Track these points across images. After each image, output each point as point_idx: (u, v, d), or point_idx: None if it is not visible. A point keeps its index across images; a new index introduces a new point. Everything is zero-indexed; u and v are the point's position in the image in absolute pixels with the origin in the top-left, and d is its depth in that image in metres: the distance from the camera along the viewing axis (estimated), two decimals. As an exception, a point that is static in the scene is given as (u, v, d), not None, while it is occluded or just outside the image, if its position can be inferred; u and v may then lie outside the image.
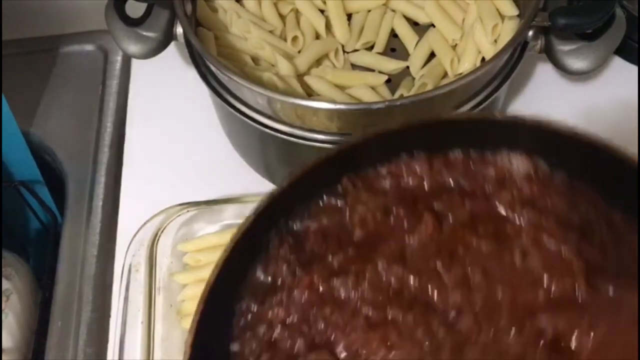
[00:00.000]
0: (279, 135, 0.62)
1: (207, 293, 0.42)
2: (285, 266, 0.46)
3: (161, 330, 0.60)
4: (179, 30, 0.68)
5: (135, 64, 0.84)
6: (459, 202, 0.48)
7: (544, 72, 0.78)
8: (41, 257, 0.78)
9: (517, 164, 0.49)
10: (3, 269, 0.69)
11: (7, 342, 0.66)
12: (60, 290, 0.69)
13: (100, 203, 0.74)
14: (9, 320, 0.67)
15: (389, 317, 0.44)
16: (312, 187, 0.48)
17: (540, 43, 0.65)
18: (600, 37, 0.63)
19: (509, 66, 0.64)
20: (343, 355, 0.43)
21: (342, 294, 0.45)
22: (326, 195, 0.49)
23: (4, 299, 0.67)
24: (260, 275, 0.47)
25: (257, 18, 0.72)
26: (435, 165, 0.49)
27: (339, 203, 0.49)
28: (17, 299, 0.68)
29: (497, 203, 0.47)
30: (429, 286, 0.44)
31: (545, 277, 0.44)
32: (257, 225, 0.45)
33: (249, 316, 0.45)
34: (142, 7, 0.68)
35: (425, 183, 0.49)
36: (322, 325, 0.44)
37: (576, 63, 0.64)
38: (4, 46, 0.81)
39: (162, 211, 0.63)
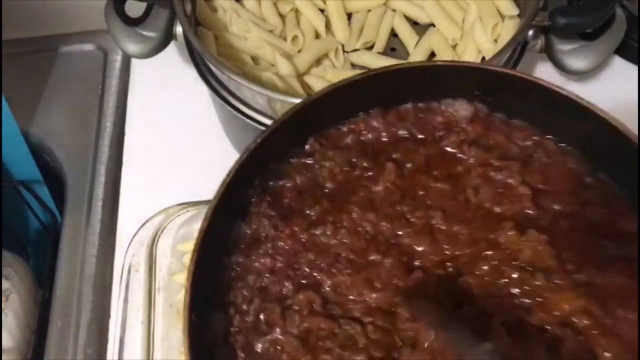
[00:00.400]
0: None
1: (197, 251, 0.45)
2: (267, 221, 0.51)
3: (161, 330, 0.60)
4: (179, 29, 0.68)
5: (135, 63, 0.84)
6: (413, 149, 0.54)
7: (544, 71, 0.78)
8: (41, 257, 0.78)
9: (460, 109, 0.55)
10: (3, 269, 0.69)
11: (7, 342, 0.66)
12: (60, 290, 0.69)
13: (100, 203, 0.74)
14: (9, 320, 0.67)
15: (369, 260, 0.48)
16: (282, 147, 0.53)
17: (540, 42, 0.65)
18: (601, 36, 0.63)
19: (510, 66, 0.64)
20: (326, 294, 0.47)
21: (323, 241, 0.50)
22: (296, 156, 0.54)
23: (3, 298, 0.67)
24: (245, 230, 0.51)
25: (257, 17, 0.72)
26: (389, 118, 0.55)
27: (309, 161, 0.54)
28: (17, 299, 0.68)
29: (446, 146, 0.53)
30: (399, 231, 0.49)
31: (497, 206, 0.50)
32: (235, 184, 0.49)
33: (239, 268, 0.49)
34: (142, 6, 0.68)
35: (382, 136, 0.55)
36: (307, 270, 0.49)
37: (576, 63, 0.64)
38: (4, 46, 0.81)
39: (161, 211, 0.63)
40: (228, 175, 0.48)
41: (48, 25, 0.88)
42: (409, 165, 0.53)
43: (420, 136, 0.55)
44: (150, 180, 0.74)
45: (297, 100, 0.58)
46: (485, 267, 0.48)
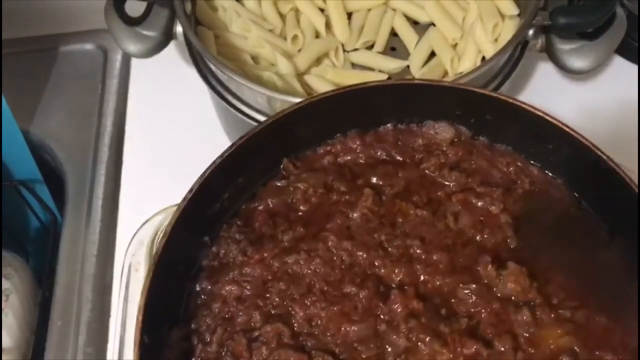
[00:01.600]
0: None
1: (154, 269, 0.44)
2: (235, 245, 0.49)
3: (161, 329, 0.60)
4: (179, 29, 0.68)
5: (135, 63, 0.84)
6: (393, 172, 0.53)
7: (545, 71, 0.78)
8: (41, 256, 0.78)
9: (441, 131, 0.54)
10: (3, 269, 0.69)
11: (7, 342, 0.66)
12: (59, 290, 0.69)
13: (100, 202, 0.74)
14: (9, 319, 0.67)
15: (345, 292, 0.47)
16: (254, 163, 0.51)
17: (540, 42, 0.65)
18: (601, 36, 0.63)
19: (510, 65, 0.64)
20: (298, 326, 0.46)
21: (296, 270, 0.48)
22: (269, 177, 0.53)
23: (3, 298, 0.67)
24: (212, 255, 0.50)
25: (257, 17, 0.72)
26: (367, 140, 0.54)
27: (282, 183, 0.53)
28: (17, 299, 0.68)
29: (426, 169, 0.52)
30: (376, 262, 0.48)
31: (478, 234, 0.49)
32: (199, 199, 0.47)
33: (204, 296, 0.48)
34: (142, 6, 0.68)
35: (360, 157, 0.54)
36: (277, 299, 0.47)
37: (577, 62, 0.64)
38: (4, 46, 0.81)
39: (161, 210, 0.63)
40: (190, 190, 0.47)
41: (48, 25, 0.88)
42: (387, 189, 0.52)
43: (399, 158, 0.54)
44: (150, 180, 0.74)
45: (297, 100, 0.58)
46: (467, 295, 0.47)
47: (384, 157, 0.54)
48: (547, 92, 0.77)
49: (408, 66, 0.70)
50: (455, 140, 0.54)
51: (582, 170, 0.49)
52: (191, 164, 0.74)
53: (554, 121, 0.49)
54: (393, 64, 0.70)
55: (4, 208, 0.74)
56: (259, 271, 0.48)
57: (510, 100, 0.49)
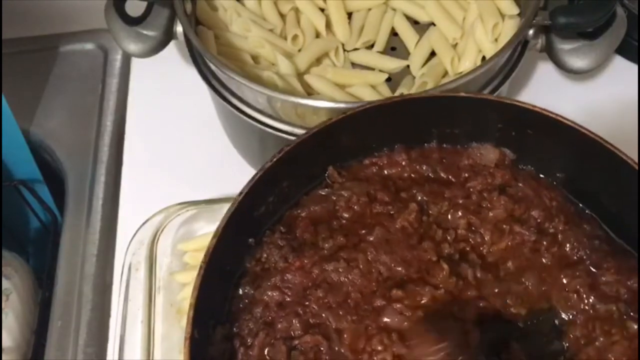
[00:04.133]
0: (279, 134, 0.62)
1: (204, 267, 0.44)
2: (277, 251, 0.50)
3: (161, 329, 0.59)
4: (179, 28, 0.68)
5: (135, 62, 0.84)
6: (438, 191, 0.53)
7: (545, 70, 0.78)
8: (41, 256, 0.78)
9: (487, 153, 0.54)
10: (3, 268, 0.69)
11: (7, 342, 0.66)
12: (60, 290, 0.69)
13: (100, 202, 0.74)
14: (9, 319, 0.67)
15: (375, 305, 0.47)
16: (299, 169, 0.52)
17: (540, 42, 0.65)
18: (601, 35, 0.63)
19: (510, 65, 0.64)
20: (334, 339, 0.46)
21: (335, 278, 0.48)
22: (314, 185, 0.53)
23: (3, 298, 0.67)
24: (254, 261, 0.50)
25: (257, 17, 0.72)
26: (413, 156, 0.55)
27: (326, 191, 0.53)
28: (17, 298, 0.68)
29: (472, 188, 0.53)
30: (415, 277, 0.48)
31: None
32: (246, 202, 0.48)
33: (246, 300, 0.49)
34: (142, 5, 0.68)
35: (405, 172, 0.54)
36: (315, 307, 0.47)
37: (577, 62, 0.64)
38: (4, 45, 0.81)
39: (161, 210, 0.63)
40: (241, 193, 0.47)
41: (48, 25, 0.88)
42: (432, 208, 0.52)
43: (444, 176, 0.54)
44: (150, 179, 0.74)
45: (297, 99, 0.58)
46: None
47: (429, 174, 0.54)
48: (547, 92, 0.77)
49: (408, 66, 0.70)
50: (501, 164, 0.54)
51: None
52: (191, 164, 0.75)
53: (597, 138, 0.48)
54: (393, 64, 0.70)
55: (4, 208, 0.74)
56: (300, 278, 0.48)
57: (552, 116, 0.50)
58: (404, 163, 0.54)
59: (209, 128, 0.76)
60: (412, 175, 0.54)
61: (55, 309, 0.68)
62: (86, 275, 0.69)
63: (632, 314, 0.47)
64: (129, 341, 0.58)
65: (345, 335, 0.46)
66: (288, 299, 0.48)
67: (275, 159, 0.49)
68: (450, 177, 0.54)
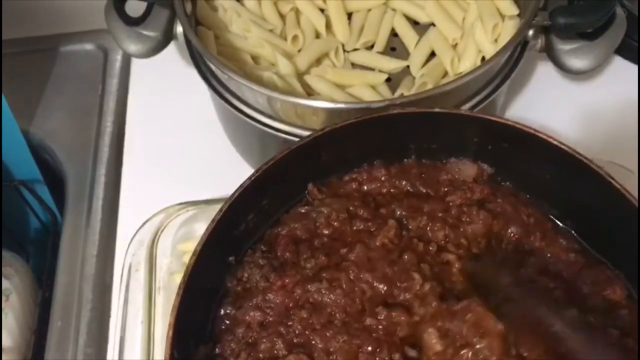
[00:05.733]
0: (279, 134, 0.62)
1: (183, 288, 0.44)
2: (258, 271, 0.49)
3: (161, 330, 0.59)
4: (179, 29, 0.68)
5: (135, 63, 0.84)
6: (417, 205, 0.53)
7: (545, 71, 0.78)
8: (41, 256, 0.78)
9: (465, 168, 0.54)
10: (3, 269, 0.69)
11: (6, 342, 0.66)
12: (60, 290, 0.69)
13: (100, 202, 0.74)
14: (9, 319, 0.67)
15: (365, 324, 0.46)
16: (278, 187, 0.51)
17: (540, 42, 0.65)
18: (601, 36, 0.63)
19: (510, 65, 0.64)
20: (318, 358, 0.45)
21: (318, 299, 0.48)
22: (294, 203, 0.53)
23: (3, 298, 0.67)
24: (235, 281, 0.50)
25: (257, 17, 0.72)
26: (392, 171, 0.55)
27: (306, 209, 0.53)
28: (17, 299, 0.68)
29: (451, 202, 0.53)
30: (397, 292, 0.48)
31: None
32: (226, 220, 0.47)
33: (228, 320, 0.48)
34: (142, 6, 0.68)
35: (385, 187, 0.54)
36: (299, 327, 0.47)
37: (576, 62, 0.64)
38: (4, 46, 0.81)
39: (161, 210, 0.63)
40: (220, 211, 0.47)
41: (48, 25, 0.88)
42: (411, 223, 0.52)
43: (424, 190, 0.54)
44: (150, 179, 0.74)
45: (297, 100, 0.58)
46: None
47: (409, 188, 0.54)
48: (547, 92, 0.77)
49: (408, 66, 0.70)
50: (480, 179, 0.55)
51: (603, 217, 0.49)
52: (191, 164, 0.75)
53: (568, 149, 0.49)
54: (393, 64, 0.70)
55: (4, 208, 0.74)
56: (281, 298, 0.48)
57: (526, 129, 0.50)
58: (383, 178, 0.54)
59: (208, 128, 0.76)
60: (392, 190, 0.54)
61: (55, 309, 0.68)
62: (86, 276, 0.69)
63: (608, 323, 0.47)
64: (129, 342, 0.58)
65: (336, 357, 0.46)
66: (270, 319, 0.47)
67: (253, 178, 0.48)
68: (429, 191, 0.54)
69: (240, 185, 0.48)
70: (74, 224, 0.73)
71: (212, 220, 0.47)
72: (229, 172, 0.72)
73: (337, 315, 0.47)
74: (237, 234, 0.51)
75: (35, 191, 0.75)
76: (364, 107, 0.58)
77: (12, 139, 0.71)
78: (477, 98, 0.62)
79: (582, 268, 0.50)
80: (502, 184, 0.55)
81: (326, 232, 0.51)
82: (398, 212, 0.52)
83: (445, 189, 0.54)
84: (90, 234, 0.72)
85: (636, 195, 0.46)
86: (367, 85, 0.67)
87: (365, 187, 0.55)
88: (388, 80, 0.70)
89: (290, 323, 0.47)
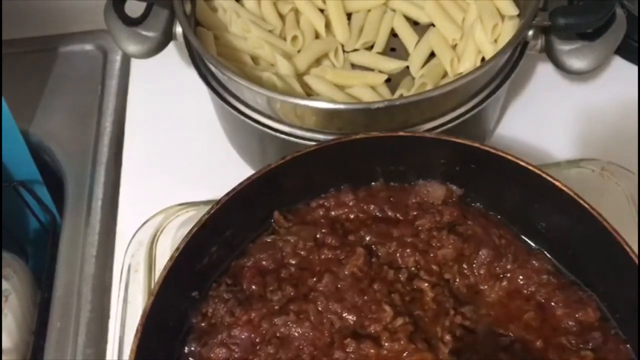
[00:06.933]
0: (278, 135, 0.61)
1: (141, 330, 0.42)
2: (223, 305, 0.48)
3: (160, 330, 0.59)
4: (179, 29, 0.68)
5: (135, 63, 0.84)
6: (386, 231, 0.52)
7: (544, 71, 0.78)
8: (40, 257, 0.78)
9: (434, 190, 0.54)
10: (2, 269, 0.69)
11: (6, 343, 0.66)
12: (59, 291, 0.68)
13: (100, 203, 0.74)
14: (8, 320, 0.67)
15: (333, 358, 0.45)
16: (242, 216, 0.50)
17: (540, 43, 0.65)
18: (601, 36, 0.63)
19: (509, 66, 0.64)
20: None
21: (285, 333, 0.46)
22: (260, 233, 0.52)
23: (3, 299, 0.67)
24: (200, 316, 0.48)
25: (257, 17, 0.71)
26: (360, 195, 0.54)
27: (271, 238, 0.52)
28: (16, 299, 0.68)
29: (420, 227, 0.52)
30: (367, 323, 0.47)
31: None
32: (186, 255, 0.46)
33: (192, 358, 0.47)
34: (142, 6, 0.68)
35: (353, 213, 0.53)
36: None
37: (576, 63, 0.64)
38: (4, 46, 0.81)
39: (161, 211, 0.63)
40: (177, 249, 0.46)
41: (48, 25, 0.88)
42: (380, 249, 0.51)
43: (392, 215, 0.53)
44: (149, 180, 0.74)
45: (297, 100, 0.58)
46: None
47: (377, 213, 0.54)
48: (546, 92, 0.77)
49: (408, 67, 0.70)
50: (449, 200, 0.54)
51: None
52: (191, 165, 0.75)
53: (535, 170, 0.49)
54: (393, 65, 0.70)
55: (3, 209, 0.74)
56: (247, 333, 0.47)
57: (492, 151, 0.50)
58: (351, 203, 0.54)
59: (208, 129, 0.76)
60: (360, 215, 0.53)
61: (55, 309, 0.67)
62: (85, 276, 0.69)
63: (581, 345, 0.47)
64: (128, 342, 0.58)
65: None
66: (236, 355, 0.46)
67: (212, 211, 0.47)
68: (398, 215, 0.54)
69: (199, 221, 0.47)
70: (73, 224, 0.73)
71: (170, 258, 0.45)
72: (228, 172, 0.71)
73: (306, 349, 0.46)
74: (200, 268, 0.49)
75: (34, 192, 0.75)
76: (364, 107, 0.58)
77: (11, 139, 0.71)
78: (477, 98, 0.62)
79: (555, 289, 0.50)
80: (473, 205, 0.54)
81: (293, 261, 0.50)
82: (367, 239, 0.52)
83: (415, 213, 0.53)
84: (89, 235, 0.72)
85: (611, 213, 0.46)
86: (367, 86, 0.67)
87: (333, 213, 0.54)
88: (388, 80, 0.69)
89: (256, 359, 0.46)
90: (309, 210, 0.54)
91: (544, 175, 0.49)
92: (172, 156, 0.75)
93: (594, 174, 0.61)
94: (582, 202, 0.47)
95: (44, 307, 0.68)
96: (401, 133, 0.52)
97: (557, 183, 0.48)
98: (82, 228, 0.72)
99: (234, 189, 0.48)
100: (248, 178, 0.49)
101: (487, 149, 0.50)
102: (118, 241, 0.70)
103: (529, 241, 0.53)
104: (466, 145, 0.50)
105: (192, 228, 0.47)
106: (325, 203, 0.54)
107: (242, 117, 0.62)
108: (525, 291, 0.50)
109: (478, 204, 0.54)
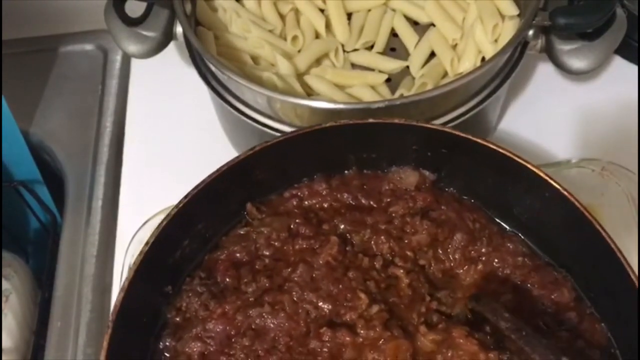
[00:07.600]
0: (278, 134, 0.61)
1: (112, 327, 0.42)
2: (197, 299, 0.47)
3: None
4: (179, 29, 0.68)
5: (135, 63, 0.84)
6: (360, 218, 0.51)
7: (544, 71, 0.78)
8: (40, 257, 0.78)
9: (407, 176, 0.53)
10: (2, 269, 0.69)
11: (6, 342, 0.66)
12: (59, 290, 0.69)
13: (100, 203, 0.74)
14: (9, 320, 0.67)
15: (311, 348, 0.45)
16: (214, 208, 0.49)
17: (540, 42, 0.65)
18: (601, 36, 0.63)
19: (509, 66, 0.64)
20: None
21: (260, 324, 0.46)
22: (233, 225, 0.51)
23: (3, 299, 0.67)
24: (174, 311, 0.48)
25: (257, 17, 0.71)
26: (334, 184, 0.53)
27: (245, 230, 0.51)
28: (17, 299, 0.68)
29: (394, 213, 0.52)
30: (342, 312, 0.47)
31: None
32: (157, 250, 0.45)
33: (167, 353, 0.47)
34: (142, 6, 0.68)
35: (326, 202, 0.53)
36: (242, 356, 0.45)
37: (576, 62, 0.64)
38: (4, 46, 0.81)
39: (161, 211, 0.63)
40: (146, 243, 0.45)
41: (48, 25, 0.88)
42: (354, 237, 0.51)
43: (366, 202, 0.53)
44: (149, 180, 0.74)
45: (297, 100, 0.58)
46: None
47: (351, 201, 0.53)
48: (547, 92, 0.77)
49: (408, 67, 0.70)
50: (422, 186, 0.54)
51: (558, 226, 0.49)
52: (191, 164, 0.74)
53: (519, 160, 0.49)
54: (393, 64, 0.70)
55: (3, 209, 0.74)
56: (222, 326, 0.46)
57: (460, 134, 0.50)
58: (324, 192, 0.53)
59: (208, 128, 0.76)
60: (334, 204, 0.53)
61: (55, 309, 0.68)
62: (86, 276, 0.69)
63: (557, 327, 0.47)
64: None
65: None
66: (212, 349, 0.46)
67: (182, 204, 0.47)
68: (371, 203, 0.53)
69: (167, 215, 0.46)
70: (74, 224, 0.73)
71: (140, 253, 0.45)
72: (228, 172, 0.72)
73: (281, 339, 0.46)
74: (173, 262, 0.49)
75: (34, 191, 0.75)
76: (364, 107, 0.58)
77: (11, 139, 0.71)
78: (478, 98, 0.62)
79: (531, 271, 0.50)
80: (447, 190, 0.54)
81: (267, 253, 0.50)
82: (341, 227, 0.51)
83: (388, 200, 0.53)
84: (89, 234, 0.72)
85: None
86: (367, 86, 0.67)
87: (307, 203, 0.53)
88: (388, 80, 0.69)
89: (232, 352, 0.46)
90: (282, 200, 0.53)
91: (513, 157, 0.48)
92: (172, 156, 0.75)
93: (594, 174, 0.61)
94: (552, 182, 0.47)
95: (44, 307, 0.68)
96: (371, 120, 0.52)
97: (527, 165, 0.48)
98: (83, 228, 0.72)
99: (202, 181, 0.48)
100: (216, 170, 0.48)
101: (453, 132, 0.50)
102: (118, 241, 0.70)
103: (504, 224, 0.53)
104: (433, 129, 0.51)
105: (161, 222, 0.46)
106: (299, 193, 0.54)
107: (242, 117, 0.63)
108: (500, 274, 0.50)
109: (452, 189, 0.54)
